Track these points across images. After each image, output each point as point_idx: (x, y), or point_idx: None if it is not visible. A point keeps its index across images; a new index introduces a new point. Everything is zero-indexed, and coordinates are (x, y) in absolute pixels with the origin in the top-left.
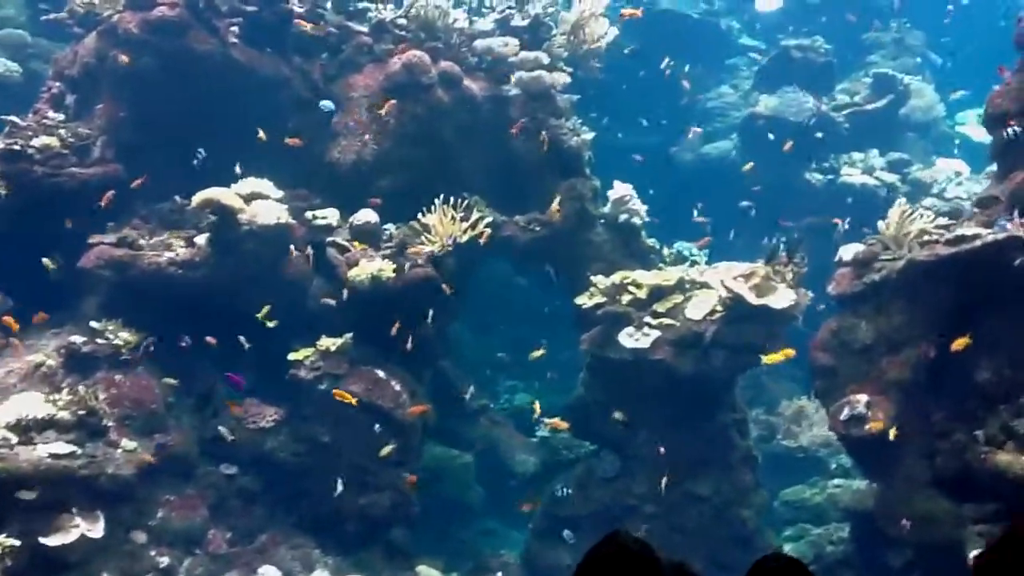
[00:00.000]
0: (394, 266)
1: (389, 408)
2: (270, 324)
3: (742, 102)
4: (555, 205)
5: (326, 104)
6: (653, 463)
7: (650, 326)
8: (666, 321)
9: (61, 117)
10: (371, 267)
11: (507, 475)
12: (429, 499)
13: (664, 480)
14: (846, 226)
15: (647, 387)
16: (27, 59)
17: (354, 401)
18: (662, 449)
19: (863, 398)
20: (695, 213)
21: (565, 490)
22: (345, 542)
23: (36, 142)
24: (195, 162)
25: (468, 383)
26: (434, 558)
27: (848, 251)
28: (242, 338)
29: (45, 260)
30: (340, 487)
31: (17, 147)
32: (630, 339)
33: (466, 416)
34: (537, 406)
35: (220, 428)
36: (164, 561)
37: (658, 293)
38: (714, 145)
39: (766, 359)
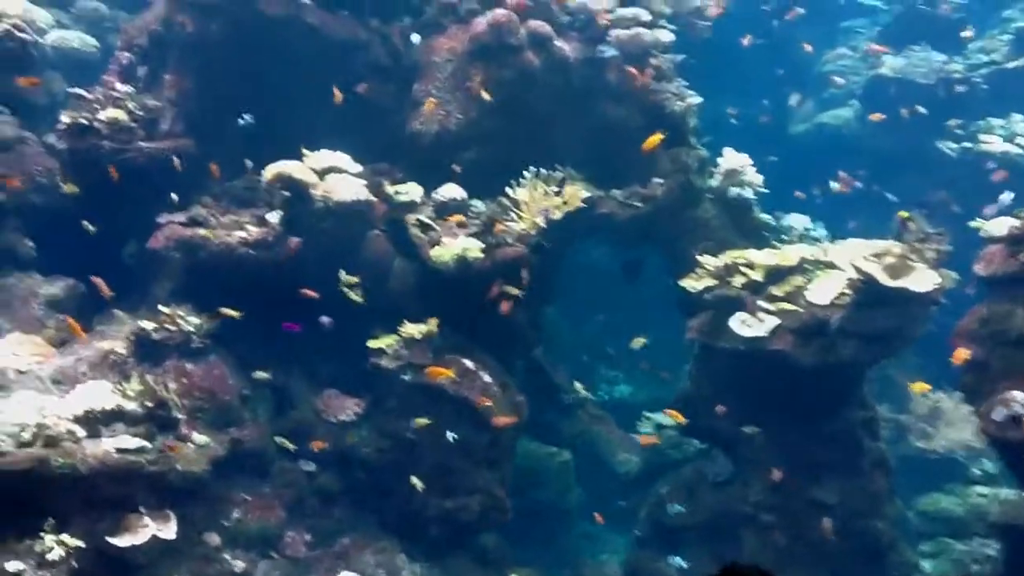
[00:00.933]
0: (482, 245)
1: (477, 400)
2: (356, 298)
3: (862, 64)
4: (657, 179)
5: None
6: (771, 466)
7: (767, 312)
8: (786, 306)
9: (130, 89)
10: (456, 246)
11: (608, 475)
12: (523, 500)
13: (778, 480)
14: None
15: (763, 381)
16: (105, 33)
17: (450, 373)
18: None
19: (1021, 396)
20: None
21: (674, 506)
22: (432, 547)
23: (103, 115)
24: (241, 122)
25: (568, 375)
26: (529, 566)
27: (1000, 225)
28: (325, 319)
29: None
30: (419, 486)
31: (84, 121)
32: (744, 326)
33: (563, 409)
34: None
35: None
36: (239, 565)
37: (776, 274)
38: (832, 113)
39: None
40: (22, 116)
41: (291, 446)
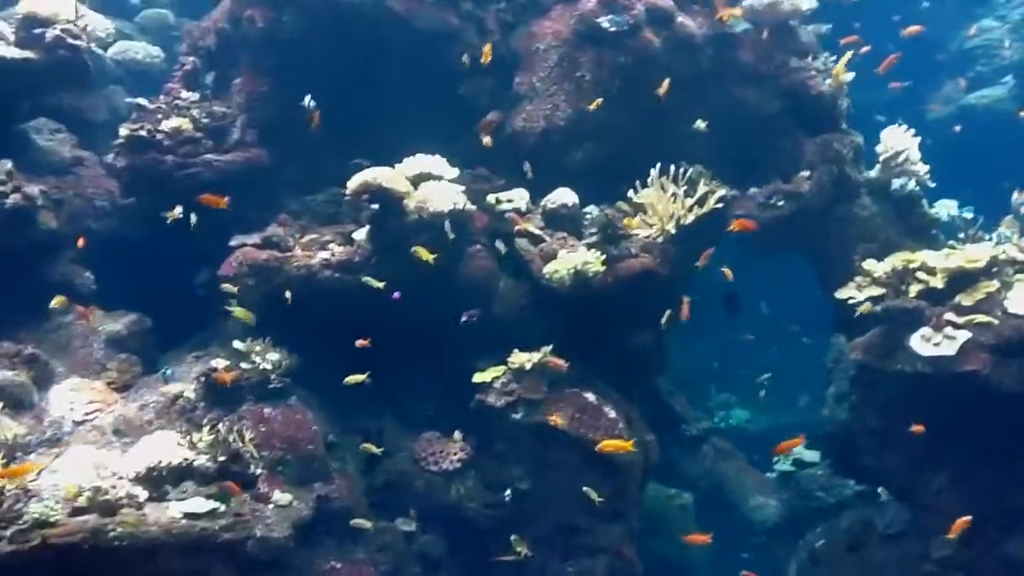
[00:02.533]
0: (603, 257)
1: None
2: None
3: (1014, 36)
4: (803, 172)
5: None
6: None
7: (955, 326)
8: (978, 318)
9: (195, 96)
10: (573, 260)
11: (738, 523)
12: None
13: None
14: None
15: (947, 410)
16: (171, 42)
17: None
18: None
19: None
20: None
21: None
22: None
23: (165, 125)
24: (304, 104)
25: (687, 403)
26: None
27: None
28: (469, 314)
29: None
30: (525, 552)
31: (144, 133)
32: (927, 344)
33: (684, 444)
34: None
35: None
36: None
37: (961, 280)
38: (980, 94)
39: None
40: (80, 134)
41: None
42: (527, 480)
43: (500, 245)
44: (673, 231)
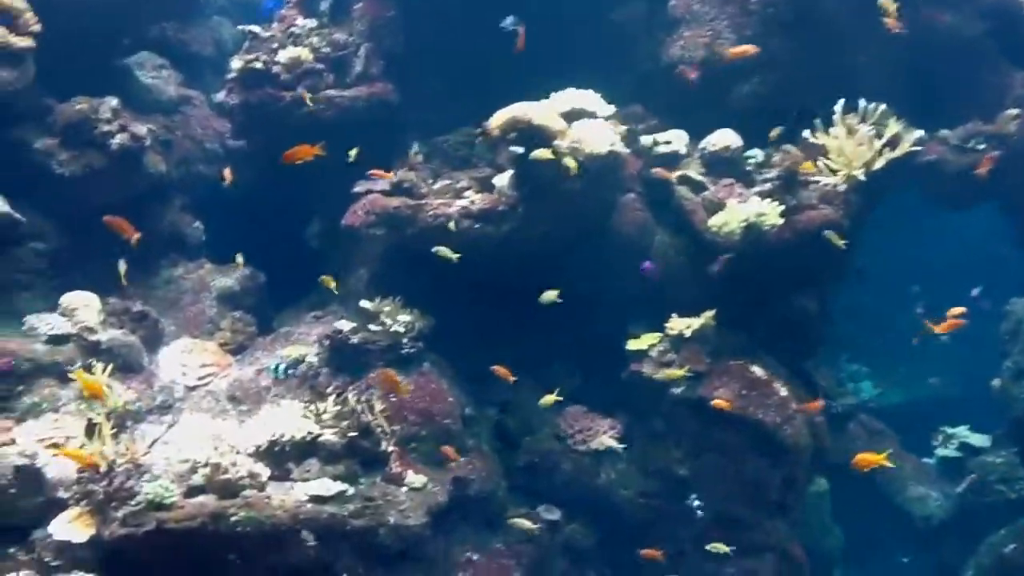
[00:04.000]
0: (781, 208)
1: (773, 424)
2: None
3: None
4: (1011, 110)
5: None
6: None
7: None
8: None
9: (313, 23)
10: (745, 211)
11: (893, 516)
12: None
13: None
14: None
15: None
16: None
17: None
18: None
19: None
20: None
21: None
22: None
23: (282, 56)
24: (505, 25)
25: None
26: None
27: None
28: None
29: None
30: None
31: (259, 65)
32: None
33: (829, 422)
34: None
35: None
36: None
37: None
38: None
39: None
40: (185, 70)
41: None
42: (686, 465)
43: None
44: (862, 177)
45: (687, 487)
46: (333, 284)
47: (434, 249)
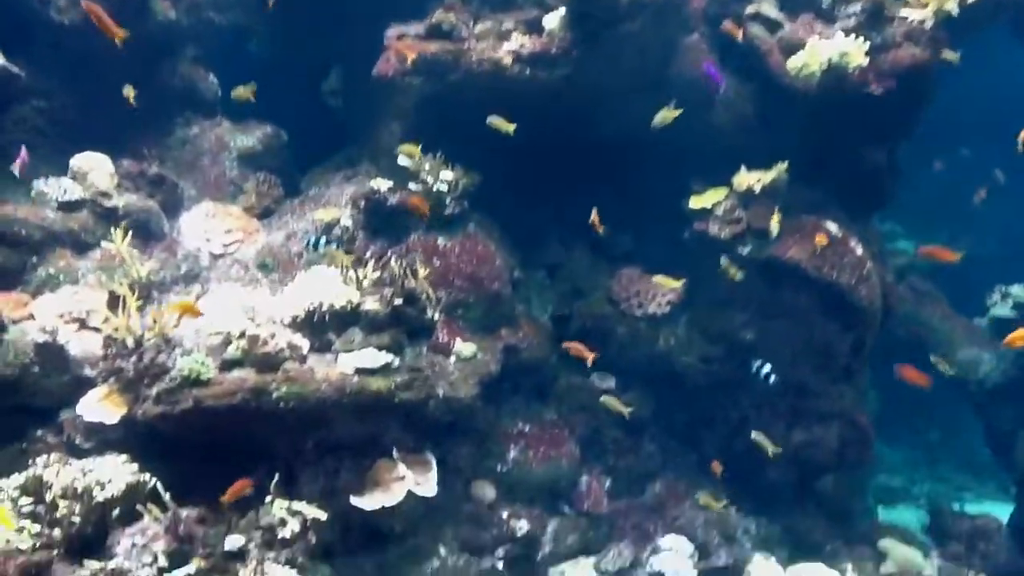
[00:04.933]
0: (865, 47)
1: (848, 285)
2: None
3: None
4: None
5: None
6: None
7: None
8: None
9: None
10: (827, 51)
11: (946, 380)
12: None
13: None
14: None
15: None
16: None
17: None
18: None
19: None
20: None
21: None
22: (768, 495)
23: None
24: None
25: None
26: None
27: None
28: None
29: None
30: (772, 450)
31: None
32: None
33: None
34: None
35: None
36: (522, 526)
37: None
38: None
39: None
40: None
41: None
42: (751, 329)
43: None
44: (955, 12)
45: (752, 353)
46: (414, 151)
47: (488, 120)
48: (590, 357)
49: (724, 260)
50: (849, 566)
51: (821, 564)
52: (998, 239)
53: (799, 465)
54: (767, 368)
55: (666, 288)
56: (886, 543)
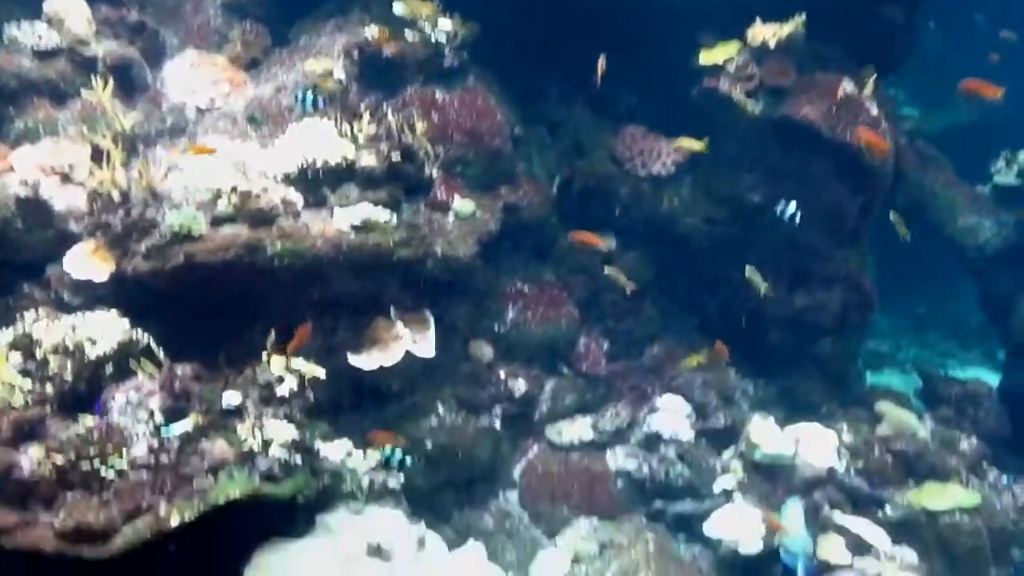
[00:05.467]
0: None
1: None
2: None
3: None
4: None
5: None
6: None
7: None
8: None
9: None
10: None
11: (944, 247)
12: None
13: None
14: None
15: None
16: None
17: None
18: None
19: None
20: None
21: None
22: (769, 357)
23: None
24: None
25: None
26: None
27: None
28: None
29: None
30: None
31: None
32: None
33: None
34: None
35: None
36: (519, 386)
37: None
38: None
39: None
40: None
41: None
42: (759, 191)
43: None
44: None
45: (761, 214)
46: None
47: None
48: (600, 243)
49: (739, 96)
50: (844, 426)
51: (818, 424)
52: (1010, 105)
53: (799, 328)
54: (792, 207)
55: (687, 150)
56: (882, 406)
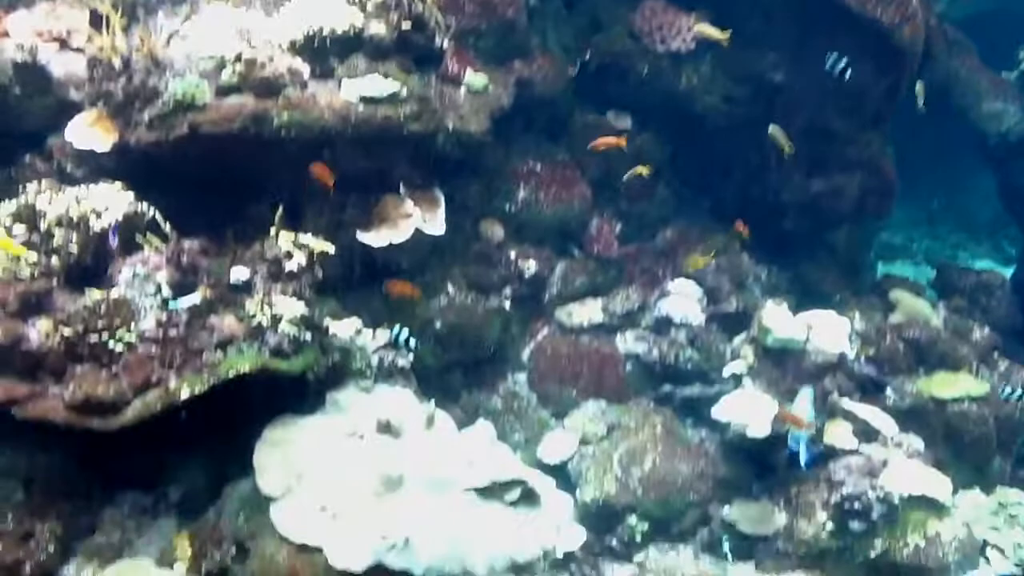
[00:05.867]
0: None
1: (891, 23)
2: None
3: None
4: None
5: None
6: None
7: None
8: None
9: None
10: None
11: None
12: None
13: None
14: None
15: None
16: None
17: None
18: None
19: None
20: None
21: None
22: (781, 243)
23: None
24: None
25: None
26: None
27: None
28: None
29: None
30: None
31: None
32: None
33: None
34: None
35: None
36: (530, 266)
37: None
38: None
39: None
40: None
41: None
42: (781, 70)
43: None
44: None
45: (781, 93)
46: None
47: None
48: (622, 143)
49: None
50: (857, 314)
51: (832, 311)
52: None
53: (816, 214)
54: (843, 62)
55: (711, 38)
56: (896, 294)
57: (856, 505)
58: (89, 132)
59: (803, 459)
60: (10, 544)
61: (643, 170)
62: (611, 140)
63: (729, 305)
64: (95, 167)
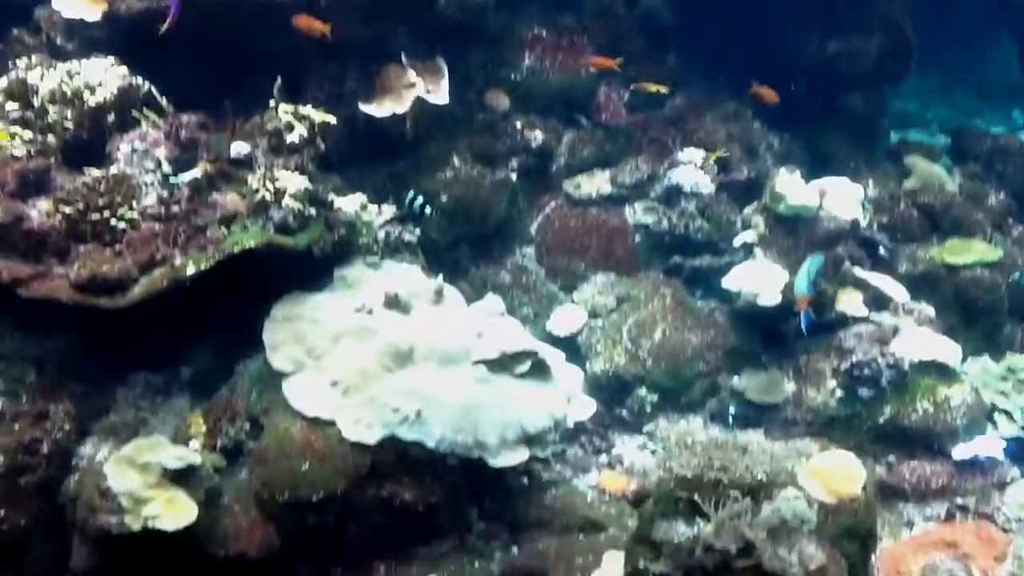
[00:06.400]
0: None
1: None
2: None
3: None
4: None
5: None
6: None
7: None
8: None
9: None
10: None
11: None
12: None
13: None
14: None
15: None
16: None
17: None
18: None
19: None
20: None
21: None
22: (793, 110)
23: None
24: None
25: None
26: None
27: None
28: None
29: None
30: None
31: None
32: None
33: None
34: None
35: None
36: (536, 137)
37: None
38: None
39: None
40: None
41: None
42: None
43: None
44: None
45: None
46: None
47: None
48: (615, 65)
49: None
50: (871, 181)
51: (845, 178)
52: None
53: (831, 78)
54: None
55: None
56: (911, 159)
57: (865, 372)
58: (77, 1)
59: (803, 325)
60: (26, 424)
61: (657, 87)
62: (605, 61)
63: (740, 173)
64: (86, 39)
